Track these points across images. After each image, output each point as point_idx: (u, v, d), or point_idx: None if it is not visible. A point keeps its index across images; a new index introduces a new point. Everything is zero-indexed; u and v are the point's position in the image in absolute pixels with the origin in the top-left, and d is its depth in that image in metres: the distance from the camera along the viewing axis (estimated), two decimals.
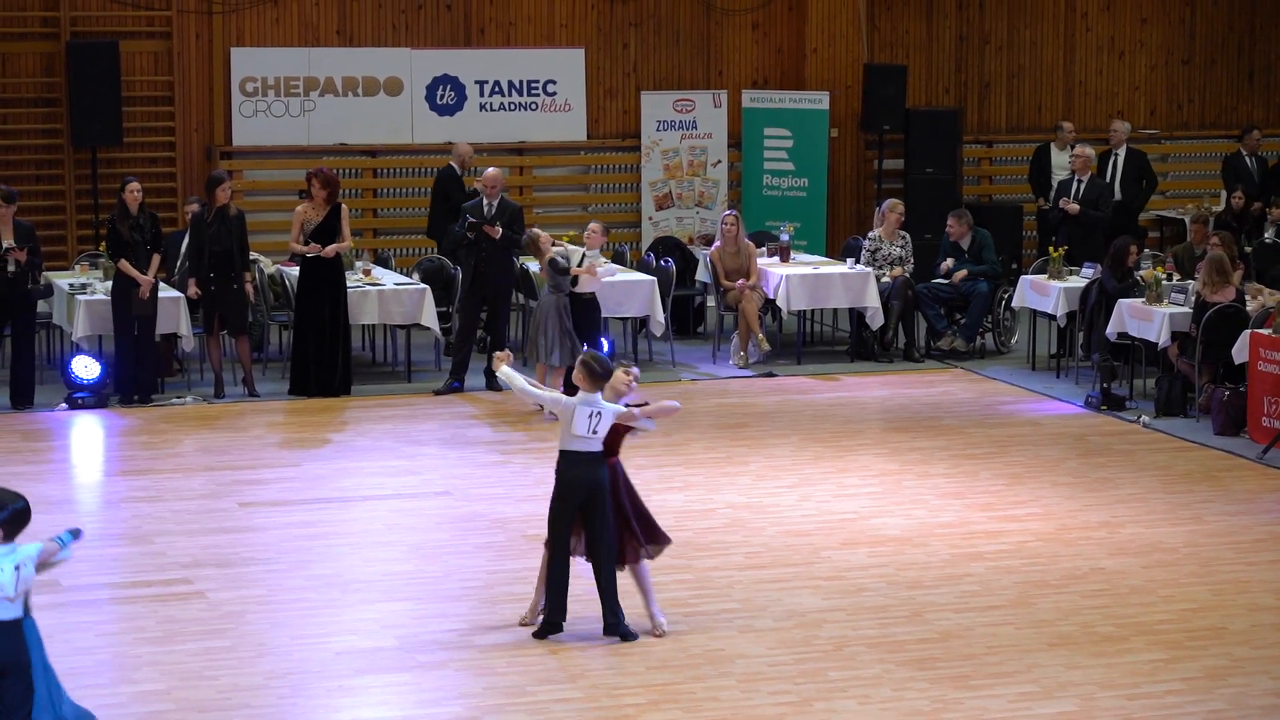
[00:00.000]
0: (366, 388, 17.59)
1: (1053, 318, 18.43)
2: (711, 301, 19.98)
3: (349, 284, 17.44)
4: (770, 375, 18.40)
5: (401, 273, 19.15)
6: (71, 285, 17.49)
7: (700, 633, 10.89)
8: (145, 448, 15.54)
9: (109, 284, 16.99)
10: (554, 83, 22.17)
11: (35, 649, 8.57)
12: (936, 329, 19.26)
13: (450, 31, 21.94)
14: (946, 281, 19.24)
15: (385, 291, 17.81)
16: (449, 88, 21.90)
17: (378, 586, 11.81)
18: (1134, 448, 15.57)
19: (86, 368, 16.81)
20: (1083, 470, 14.83)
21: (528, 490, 13.73)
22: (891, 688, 10.07)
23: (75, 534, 8.76)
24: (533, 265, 17.92)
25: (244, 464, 14.93)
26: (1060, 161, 21.87)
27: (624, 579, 10.80)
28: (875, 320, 18.92)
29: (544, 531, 10.86)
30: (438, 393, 17.40)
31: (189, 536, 12.83)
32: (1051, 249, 18.96)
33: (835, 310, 20.09)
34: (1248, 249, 19.97)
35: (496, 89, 22.03)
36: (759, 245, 19.72)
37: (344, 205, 17.42)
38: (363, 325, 18.27)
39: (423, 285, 18.02)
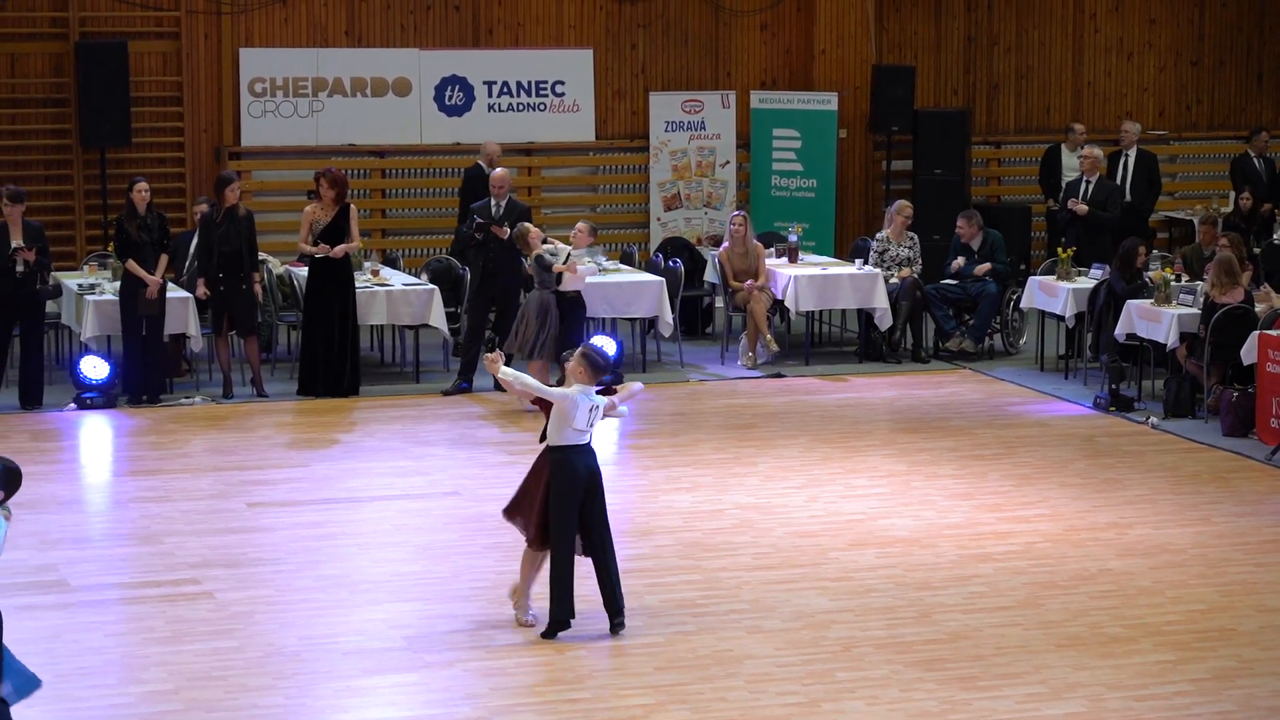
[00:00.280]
0: (375, 388, 17.59)
1: (1061, 319, 18.40)
2: (720, 302, 19.98)
3: (357, 284, 17.44)
4: (779, 376, 18.39)
5: (410, 273, 19.15)
6: (80, 285, 17.50)
7: (708, 633, 10.88)
8: (154, 448, 15.54)
9: (117, 284, 17.01)
10: (562, 83, 22.16)
11: None
12: (945, 330, 19.24)
13: (459, 32, 21.93)
14: (955, 282, 19.22)
15: (394, 292, 17.80)
16: (457, 88, 21.89)
17: (386, 587, 11.81)
18: (1142, 449, 15.55)
19: (95, 368, 16.80)
20: (1091, 471, 14.82)
21: None
22: (899, 689, 10.07)
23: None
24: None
25: (252, 464, 14.93)
26: (1071, 163, 21.83)
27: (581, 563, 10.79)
28: (884, 321, 18.91)
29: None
30: (446, 393, 17.40)
31: (197, 537, 12.83)
32: (1060, 250, 18.94)
33: (844, 311, 20.10)
34: (1256, 250, 19.94)
35: (505, 90, 22.02)
36: (767, 246, 19.72)
37: (352, 206, 17.41)
38: (371, 326, 18.25)
39: (431, 286, 18.02)
